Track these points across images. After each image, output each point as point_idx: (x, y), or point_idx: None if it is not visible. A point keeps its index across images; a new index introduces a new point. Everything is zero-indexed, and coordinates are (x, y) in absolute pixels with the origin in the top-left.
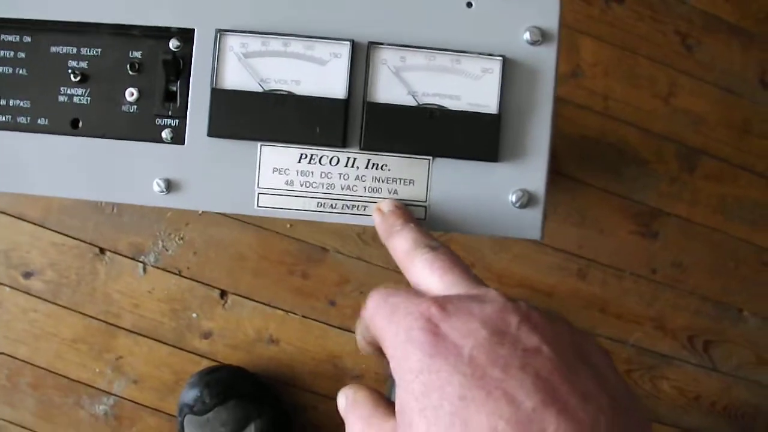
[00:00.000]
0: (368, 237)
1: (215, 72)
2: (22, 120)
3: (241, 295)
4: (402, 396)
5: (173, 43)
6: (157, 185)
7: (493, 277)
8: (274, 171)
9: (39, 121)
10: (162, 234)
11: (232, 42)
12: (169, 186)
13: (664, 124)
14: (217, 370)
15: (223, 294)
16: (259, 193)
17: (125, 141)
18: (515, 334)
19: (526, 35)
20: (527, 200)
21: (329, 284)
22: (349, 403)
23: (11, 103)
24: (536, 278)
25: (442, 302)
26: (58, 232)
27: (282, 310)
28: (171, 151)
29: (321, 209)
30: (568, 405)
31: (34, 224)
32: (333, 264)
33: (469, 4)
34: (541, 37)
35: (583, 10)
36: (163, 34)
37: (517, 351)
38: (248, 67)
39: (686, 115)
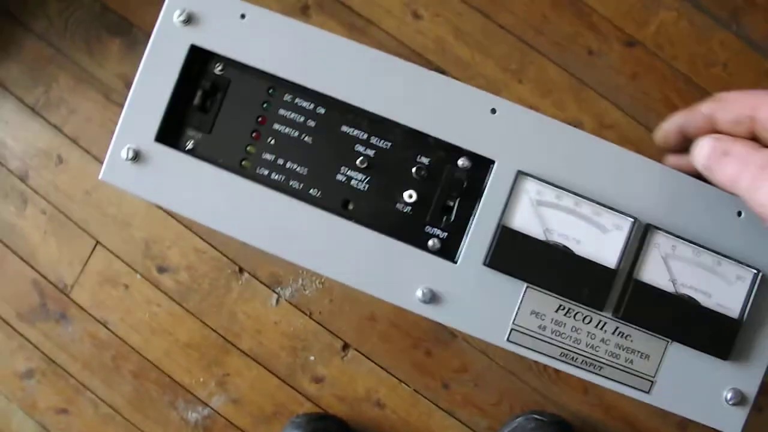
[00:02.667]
0: None
1: (506, 209)
2: (294, 184)
3: (362, 353)
4: None
5: (463, 162)
6: (422, 293)
7: (602, 406)
8: (531, 313)
9: (311, 191)
10: (304, 273)
11: (530, 186)
12: (432, 297)
13: None
14: (324, 418)
15: (346, 347)
16: (512, 329)
17: (390, 238)
18: None
19: None
20: (739, 400)
21: (448, 368)
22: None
23: (288, 165)
24: (639, 418)
25: None
26: (204, 240)
27: (397, 378)
28: (441, 265)
29: (562, 358)
30: None
31: (183, 225)
32: (457, 350)
33: (739, 213)
34: None
35: None
36: (456, 150)
37: None
38: (538, 214)
39: None
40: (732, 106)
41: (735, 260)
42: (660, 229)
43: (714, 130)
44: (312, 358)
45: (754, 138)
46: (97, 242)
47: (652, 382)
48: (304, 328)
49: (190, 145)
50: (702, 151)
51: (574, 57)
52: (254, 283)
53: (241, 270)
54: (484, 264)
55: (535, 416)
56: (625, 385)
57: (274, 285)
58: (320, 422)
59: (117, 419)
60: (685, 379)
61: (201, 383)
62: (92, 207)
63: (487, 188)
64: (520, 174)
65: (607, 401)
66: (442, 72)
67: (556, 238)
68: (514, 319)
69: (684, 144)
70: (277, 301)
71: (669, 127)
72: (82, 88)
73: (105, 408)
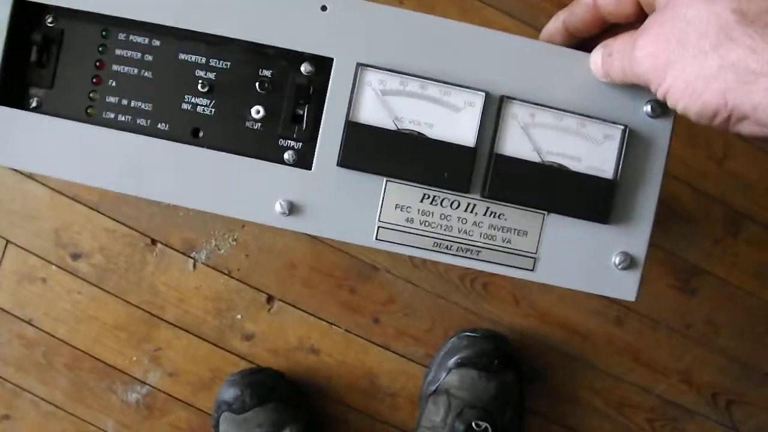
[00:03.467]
0: (419, 261)
1: (351, 104)
2: (141, 122)
3: (287, 303)
4: None
5: (305, 68)
6: (280, 206)
7: (536, 314)
8: (396, 207)
9: (159, 126)
10: (216, 233)
11: (372, 77)
12: (292, 208)
13: (715, 185)
14: (259, 371)
15: (270, 299)
16: (379, 227)
17: (246, 158)
18: None
19: (647, 108)
20: (629, 263)
21: (376, 302)
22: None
23: (133, 104)
24: (576, 320)
25: None
26: (112, 218)
27: (326, 321)
28: (297, 174)
29: (436, 249)
30: None
31: (89, 207)
32: (382, 283)
33: None
34: (661, 111)
35: None
36: (296, 56)
37: None
38: (385, 105)
39: (737, 179)
40: None
41: (600, 119)
42: (515, 99)
43: (599, 17)
44: (239, 316)
45: (641, 11)
46: (7, 241)
47: (534, 258)
48: (226, 287)
49: (34, 102)
50: (596, 63)
51: None
52: (168, 252)
53: (153, 241)
54: (338, 165)
55: (468, 334)
56: (507, 266)
57: (188, 250)
58: (255, 376)
59: (60, 414)
60: (569, 250)
61: (135, 362)
62: None
63: (330, 87)
64: (360, 66)
65: (541, 309)
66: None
67: (407, 125)
68: (379, 216)
69: (569, 43)
70: (194, 265)
71: (552, 27)
72: None
73: (46, 406)
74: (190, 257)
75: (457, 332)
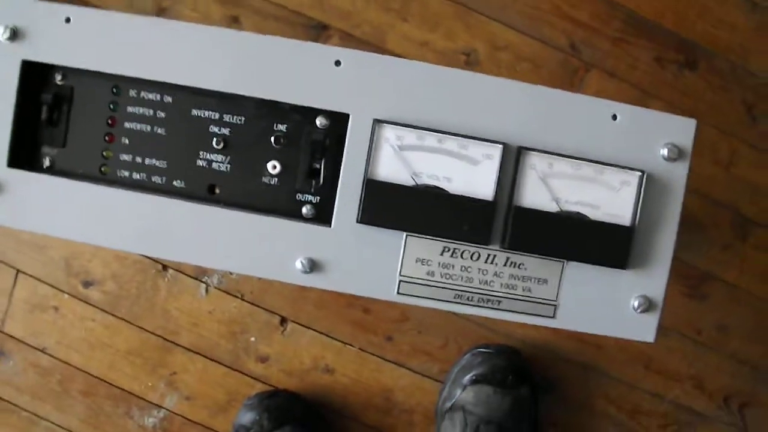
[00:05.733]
0: None
1: (369, 161)
2: (157, 180)
3: (300, 324)
4: None
5: (320, 122)
6: (301, 264)
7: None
8: (416, 261)
9: (175, 183)
10: None
11: (389, 133)
12: (313, 266)
13: (722, 191)
14: (275, 394)
15: (283, 321)
16: (400, 281)
17: (264, 215)
18: None
19: (664, 151)
20: (647, 306)
21: (388, 320)
22: None
23: (147, 161)
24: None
25: None
26: None
27: (340, 341)
28: (316, 231)
29: (458, 300)
30: None
31: None
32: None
33: (614, 117)
34: (677, 154)
35: (655, 72)
36: (311, 110)
37: None
38: (403, 160)
39: (744, 184)
40: None
41: (617, 166)
42: (533, 149)
43: None
44: (253, 339)
45: None
46: (18, 271)
47: (554, 306)
48: (239, 311)
49: (47, 162)
50: None
51: None
52: (180, 277)
53: (164, 267)
54: (358, 221)
55: (481, 350)
56: (528, 314)
57: (200, 275)
58: (272, 399)
59: None
60: (588, 296)
61: (150, 387)
62: (5, 236)
63: (346, 144)
64: (377, 122)
65: None
66: (325, 26)
67: (425, 180)
68: (400, 271)
69: None
70: (207, 290)
71: None
72: None
73: None
74: (202, 282)
75: (470, 348)
